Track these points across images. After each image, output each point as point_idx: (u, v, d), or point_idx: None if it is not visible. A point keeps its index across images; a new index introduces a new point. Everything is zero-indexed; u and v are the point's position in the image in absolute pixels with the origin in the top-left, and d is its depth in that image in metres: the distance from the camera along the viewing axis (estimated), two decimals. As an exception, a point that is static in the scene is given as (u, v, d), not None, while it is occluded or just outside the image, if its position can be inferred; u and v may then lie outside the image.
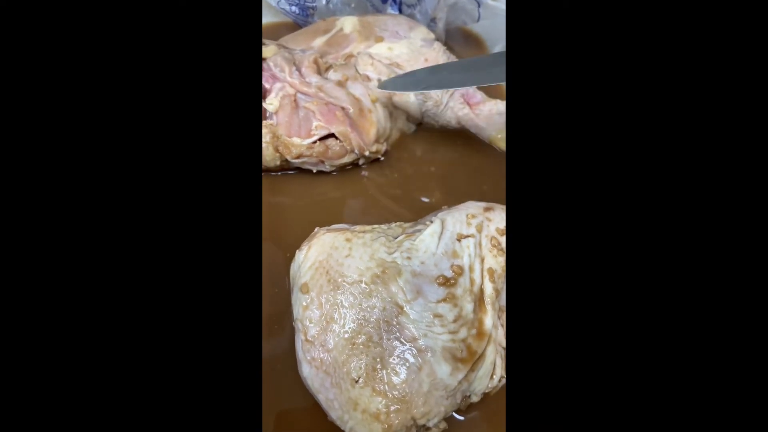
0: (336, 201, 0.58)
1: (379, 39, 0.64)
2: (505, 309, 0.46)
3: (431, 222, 0.47)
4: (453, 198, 0.57)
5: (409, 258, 0.43)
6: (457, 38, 0.79)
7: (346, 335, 0.40)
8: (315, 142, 0.54)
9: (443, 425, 0.41)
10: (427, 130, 0.66)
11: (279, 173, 0.59)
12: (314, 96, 0.56)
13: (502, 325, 0.45)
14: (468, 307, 0.42)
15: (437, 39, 0.69)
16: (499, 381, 0.45)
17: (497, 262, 0.45)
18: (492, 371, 0.44)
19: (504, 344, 0.45)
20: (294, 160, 0.55)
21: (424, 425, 0.39)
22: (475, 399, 0.44)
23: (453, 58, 0.68)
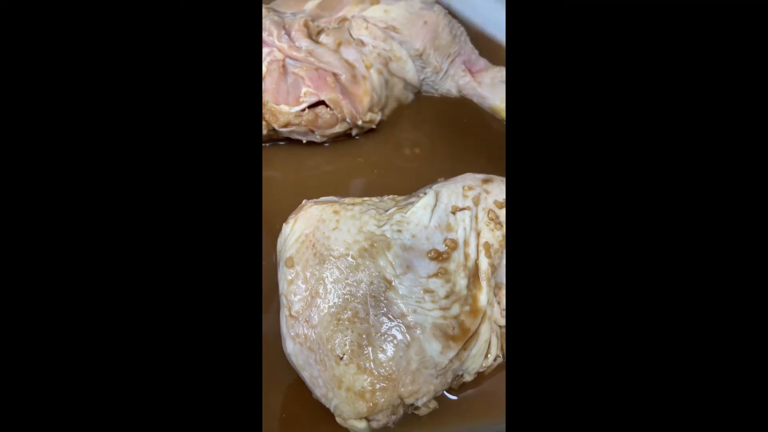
0: (327, 174, 0.56)
1: (375, 1, 0.60)
2: (502, 286, 0.43)
3: (425, 194, 0.44)
4: (452, 171, 0.54)
5: (399, 231, 0.41)
6: (460, 1, 0.74)
7: (332, 311, 0.38)
8: (304, 109, 0.51)
9: (433, 404, 0.39)
10: (425, 99, 0.62)
11: (267, 144, 0.56)
12: (304, 61, 0.53)
13: (498, 303, 0.43)
14: (461, 282, 0.40)
15: (438, 2, 0.64)
16: (495, 360, 0.43)
17: (494, 236, 0.43)
18: (487, 350, 0.42)
19: (501, 323, 0.43)
20: (282, 129, 0.52)
21: (412, 404, 0.38)
22: (468, 378, 0.42)
23: (455, 23, 0.64)
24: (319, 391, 0.38)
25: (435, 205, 0.43)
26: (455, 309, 0.39)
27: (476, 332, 0.40)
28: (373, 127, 0.56)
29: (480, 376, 0.43)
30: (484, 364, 0.42)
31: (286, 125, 0.51)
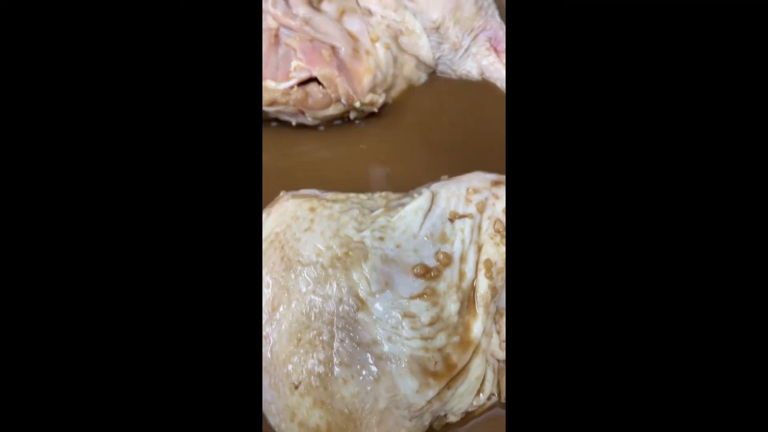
0: (320, 162, 0.49)
1: (390, -36, 0.52)
2: (505, 312, 0.36)
3: (420, 195, 0.37)
4: (461, 167, 0.46)
5: (381, 239, 0.34)
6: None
7: (292, 328, 0.32)
8: (293, 86, 0.45)
9: (407, 447, 0.33)
10: (441, 81, 0.54)
11: (256, 124, 0.50)
12: (299, 30, 0.46)
13: (498, 332, 0.36)
14: (452, 307, 0.33)
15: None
16: (488, 398, 0.36)
17: (499, 252, 0.35)
18: (479, 387, 0.35)
19: (500, 356, 0.36)
20: (267, 108, 0.46)
21: (378, 448, 0.32)
22: (453, 419, 0.35)
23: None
24: (272, 419, 0.33)
25: (429, 210, 0.36)
26: (440, 339, 0.32)
27: (466, 368, 0.33)
28: (375, 110, 0.49)
29: (468, 417, 0.36)
30: (474, 403, 0.35)
31: (271, 104, 0.45)
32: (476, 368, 0.34)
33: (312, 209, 0.36)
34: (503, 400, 0.36)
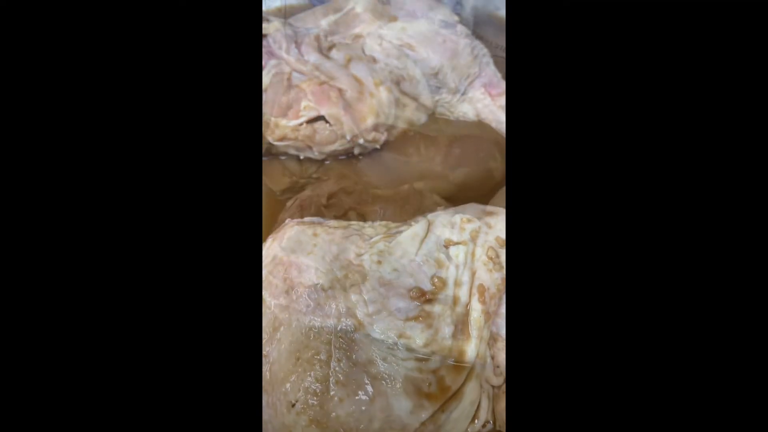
0: (323, 193, 0.52)
1: (393, 18, 0.58)
2: (499, 338, 0.37)
3: (416, 223, 0.39)
4: (457, 199, 0.48)
5: (379, 262, 0.36)
6: (490, 26, 0.70)
7: (292, 347, 0.33)
8: (302, 123, 0.48)
9: (401, 473, 0.33)
10: (439, 122, 0.58)
11: (267, 157, 0.54)
12: (309, 74, 0.51)
13: (492, 357, 0.36)
14: (446, 330, 0.34)
15: (463, 23, 0.61)
16: (483, 426, 0.36)
17: (492, 278, 0.37)
18: (474, 413, 0.35)
19: (494, 382, 0.36)
20: (277, 143, 0.49)
21: (372, 471, 0.32)
22: (447, 445, 0.35)
23: (478, 45, 0.60)
24: (267, 440, 0.33)
25: (425, 237, 0.38)
26: (435, 361, 0.33)
27: (459, 391, 0.34)
28: (377, 147, 0.53)
29: (464, 444, 0.36)
30: (470, 430, 0.35)
31: (281, 139, 0.49)
32: (470, 393, 0.34)
33: (315, 234, 0.39)
34: (499, 428, 0.36)
